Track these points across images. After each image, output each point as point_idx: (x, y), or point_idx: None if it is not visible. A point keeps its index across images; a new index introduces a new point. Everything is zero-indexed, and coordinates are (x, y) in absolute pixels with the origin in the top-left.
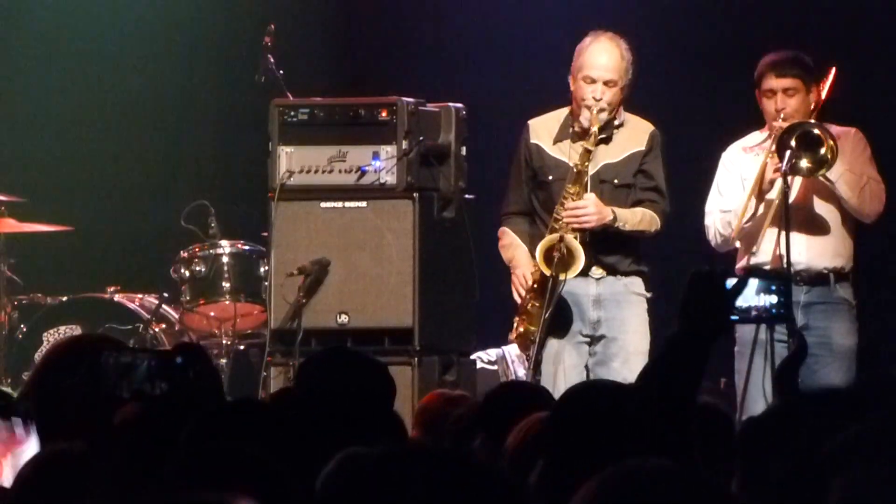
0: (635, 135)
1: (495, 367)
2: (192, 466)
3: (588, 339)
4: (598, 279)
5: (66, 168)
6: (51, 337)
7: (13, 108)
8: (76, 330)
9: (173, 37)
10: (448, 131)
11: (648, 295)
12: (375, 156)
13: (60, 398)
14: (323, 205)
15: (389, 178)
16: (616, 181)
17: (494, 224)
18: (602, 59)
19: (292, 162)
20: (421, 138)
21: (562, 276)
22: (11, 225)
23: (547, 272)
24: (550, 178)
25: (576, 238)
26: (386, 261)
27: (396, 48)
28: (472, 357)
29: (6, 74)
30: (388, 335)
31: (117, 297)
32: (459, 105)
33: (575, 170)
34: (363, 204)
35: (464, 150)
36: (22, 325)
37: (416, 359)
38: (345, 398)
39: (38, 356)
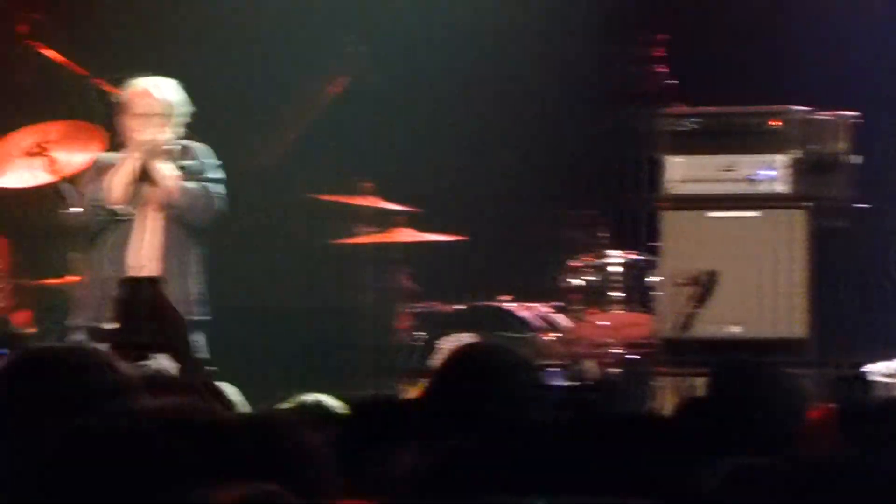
0: None
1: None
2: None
3: None
4: None
5: (460, 178)
6: (445, 345)
7: (413, 119)
8: (470, 338)
9: (555, 47)
10: (840, 140)
11: None
12: (766, 165)
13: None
14: (711, 214)
15: (781, 188)
16: None
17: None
18: None
19: (681, 171)
20: (813, 147)
21: None
22: (409, 234)
23: None
24: None
25: None
26: (777, 270)
27: (779, 55)
28: (870, 368)
29: (402, 86)
30: (780, 346)
31: (510, 306)
32: (852, 113)
33: None
34: (753, 213)
35: (856, 159)
36: (419, 333)
37: (809, 371)
38: (756, 409)
39: (433, 363)
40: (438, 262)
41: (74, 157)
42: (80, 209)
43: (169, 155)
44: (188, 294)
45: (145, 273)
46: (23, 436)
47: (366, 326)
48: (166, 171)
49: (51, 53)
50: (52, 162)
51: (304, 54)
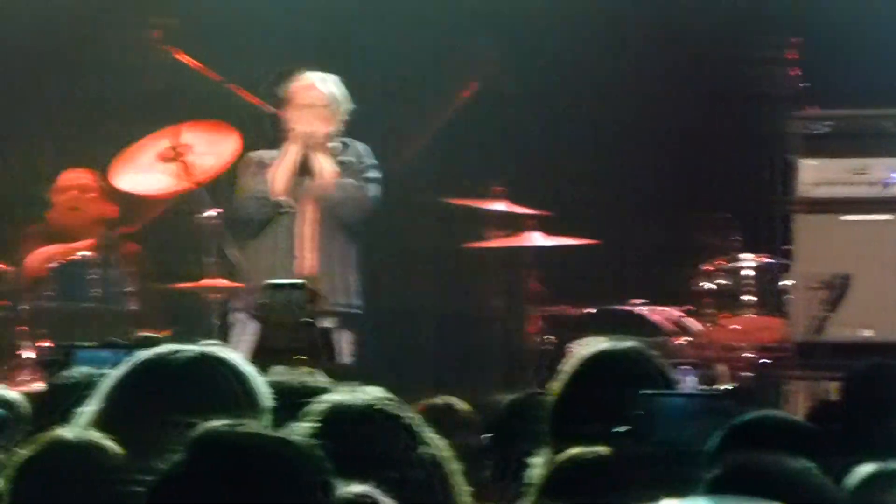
0: None
1: None
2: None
3: None
4: None
5: (591, 182)
6: (576, 349)
7: (545, 123)
8: (602, 342)
9: (687, 50)
10: None
11: None
12: None
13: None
14: (843, 217)
15: None
16: None
17: None
18: None
19: (814, 174)
20: None
21: None
22: (539, 238)
23: None
24: None
25: None
26: None
27: None
28: None
29: (533, 90)
30: None
31: (641, 310)
32: None
33: None
34: (887, 217)
35: None
36: (550, 337)
37: None
38: (890, 412)
39: (562, 367)
40: (569, 266)
41: (208, 161)
42: (214, 212)
43: (329, 149)
44: (347, 286)
45: (306, 264)
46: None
47: (496, 330)
48: (324, 164)
49: (185, 59)
50: (186, 166)
51: (436, 58)
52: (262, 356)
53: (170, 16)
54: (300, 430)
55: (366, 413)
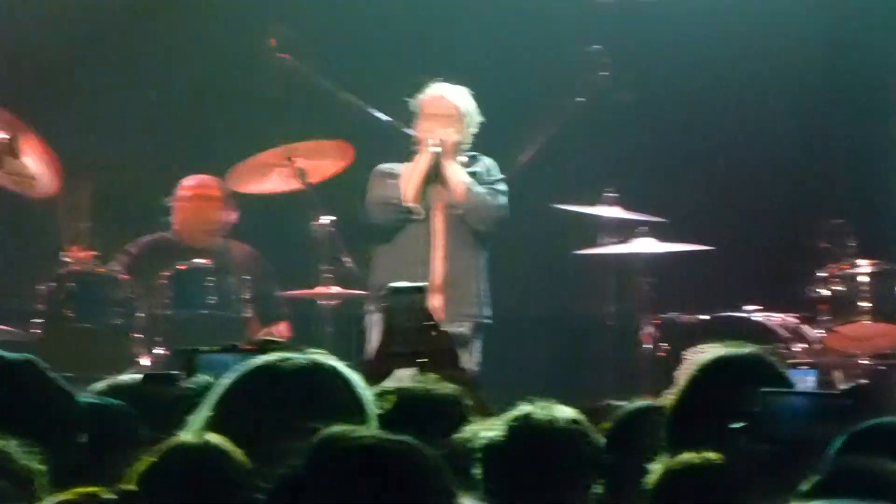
0: None
1: None
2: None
3: None
4: None
5: (705, 188)
6: (690, 355)
7: (658, 129)
8: (717, 348)
9: (801, 57)
10: None
11: None
12: None
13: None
14: None
15: None
16: None
17: None
18: None
19: None
20: None
21: None
22: (653, 245)
23: None
24: None
25: None
26: None
27: None
28: None
29: (647, 96)
30: None
31: (757, 316)
32: None
33: None
34: None
35: None
36: (663, 343)
37: None
38: None
39: (677, 374)
40: (682, 272)
41: (324, 167)
42: (329, 220)
43: (459, 158)
44: (478, 294)
45: (437, 273)
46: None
47: (608, 336)
48: (456, 172)
49: (300, 67)
50: (302, 173)
51: (550, 66)
52: (385, 360)
53: (287, 24)
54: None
55: (561, 430)
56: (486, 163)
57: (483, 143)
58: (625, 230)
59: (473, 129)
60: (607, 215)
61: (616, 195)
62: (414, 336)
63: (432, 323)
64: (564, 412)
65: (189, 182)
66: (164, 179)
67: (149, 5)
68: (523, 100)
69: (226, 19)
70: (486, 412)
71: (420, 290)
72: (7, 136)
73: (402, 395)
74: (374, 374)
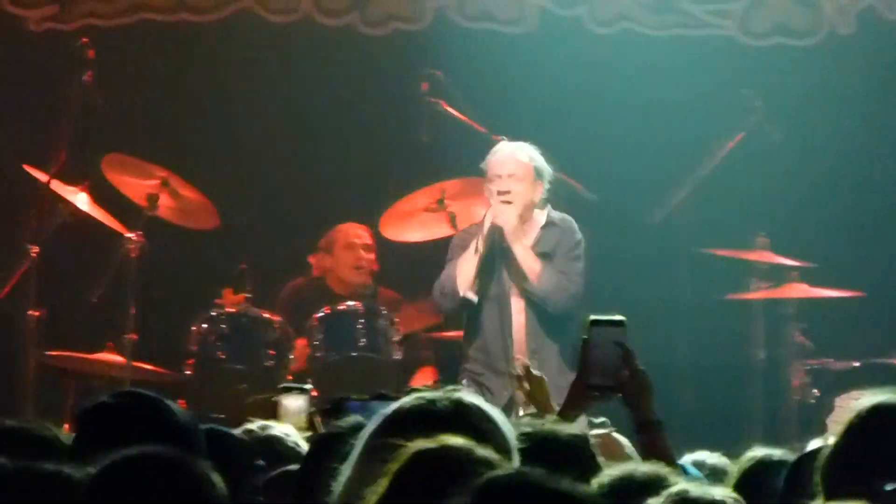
0: None
1: None
2: None
3: None
4: None
5: (856, 233)
6: (842, 402)
7: (809, 173)
8: (868, 396)
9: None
10: None
11: None
12: None
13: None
14: None
15: None
16: None
17: None
18: None
19: None
20: None
21: None
22: (803, 290)
23: None
24: None
25: None
26: None
27: None
28: None
29: (798, 139)
30: None
31: None
32: None
33: None
34: None
35: None
36: (814, 390)
37: None
38: None
39: (829, 421)
40: (833, 318)
41: (472, 212)
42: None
43: (526, 231)
44: (560, 365)
45: (519, 348)
46: None
47: (758, 382)
48: (525, 257)
49: (452, 111)
50: (451, 217)
51: (702, 108)
52: (583, 392)
53: (437, 68)
54: None
55: None
56: (561, 226)
57: (634, 186)
58: (775, 275)
59: (545, 186)
60: (758, 259)
61: (767, 239)
62: (612, 369)
63: (630, 357)
64: (719, 492)
65: (346, 230)
66: (314, 225)
67: (289, 54)
68: (674, 142)
69: (374, 67)
70: (670, 458)
71: (619, 323)
72: (163, 174)
73: (530, 434)
74: (571, 406)
